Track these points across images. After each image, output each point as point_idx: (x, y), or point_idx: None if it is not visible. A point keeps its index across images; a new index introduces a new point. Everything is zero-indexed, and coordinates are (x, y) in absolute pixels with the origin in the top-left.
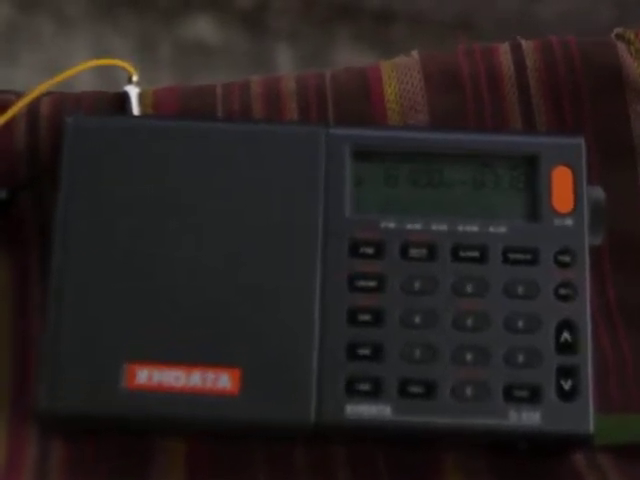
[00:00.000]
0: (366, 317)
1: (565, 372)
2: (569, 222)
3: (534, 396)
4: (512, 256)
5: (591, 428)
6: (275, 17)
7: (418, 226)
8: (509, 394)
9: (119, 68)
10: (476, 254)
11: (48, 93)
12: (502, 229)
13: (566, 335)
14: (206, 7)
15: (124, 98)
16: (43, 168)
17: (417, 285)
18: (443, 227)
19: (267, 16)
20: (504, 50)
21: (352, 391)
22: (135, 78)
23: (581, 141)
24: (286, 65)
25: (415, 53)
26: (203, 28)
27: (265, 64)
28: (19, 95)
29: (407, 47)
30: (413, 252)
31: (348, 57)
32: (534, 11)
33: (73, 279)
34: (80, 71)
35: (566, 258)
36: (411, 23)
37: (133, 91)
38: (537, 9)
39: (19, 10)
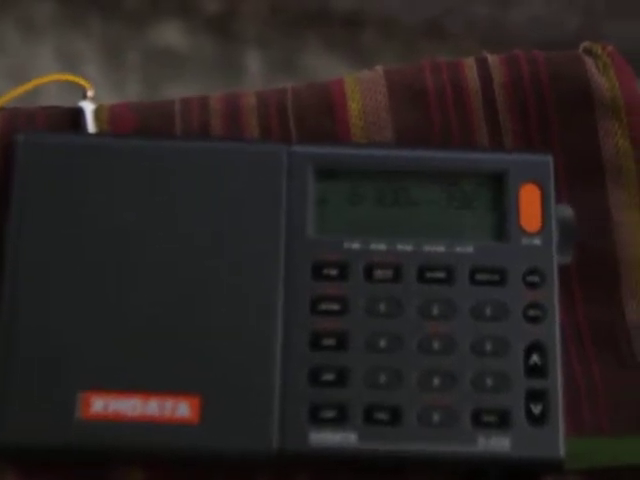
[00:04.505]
0: (330, 341)
1: (535, 396)
2: (537, 241)
3: (503, 421)
4: (479, 277)
5: (562, 453)
6: (244, 23)
7: (383, 246)
8: (477, 419)
9: (85, 72)
10: (442, 275)
11: (0, 109)
12: (469, 249)
13: (535, 358)
14: (174, 13)
15: (79, 114)
16: None
17: (382, 308)
18: (408, 247)
19: (236, 22)
20: (469, 65)
21: (316, 418)
22: (90, 93)
23: (549, 158)
24: (256, 71)
25: (379, 68)
26: (171, 34)
27: (234, 70)
28: None
29: (378, 52)
30: (378, 273)
31: (318, 62)
32: (504, 16)
33: (25, 305)
34: (36, 85)
35: (535, 278)
36: (381, 28)
37: (88, 107)
38: (507, 14)
39: None
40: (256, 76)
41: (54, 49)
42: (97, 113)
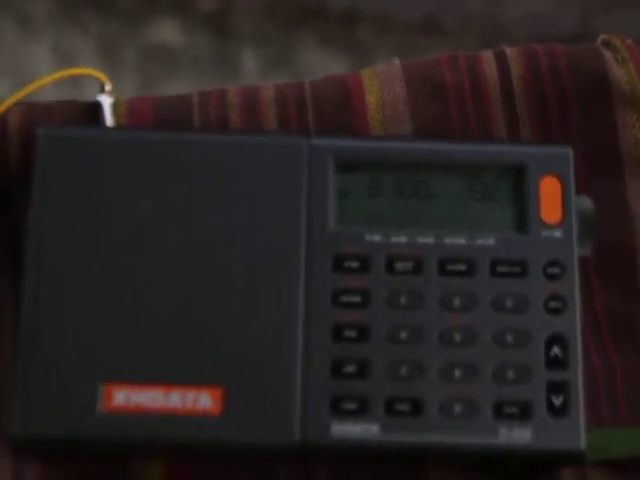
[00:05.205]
0: (351, 333)
1: (555, 388)
2: (558, 233)
3: (524, 413)
4: (500, 269)
5: (583, 444)
6: (239, 20)
7: (404, 239)
8: (499, 411)
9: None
10: (463, 267)
11: (17, 103)
12: (490, 241)
13: (556, 350)
14: (170, 10)
15: (96, 108)
16: (14, 180)
17: (403, 300)
18: (429, 240)
19: (231, 19)
20: (488, 57)
21: (338, 410)
22: (108, 87)
23: (569, 151)
24: (251, 68)
25: (397, 61)
26: (167, 31)
27: (230, 67)
28: None
29: (373, 48)
30: (399, 266)
31: (314, 59)
32: (500, 12)
33: (46, 297)
34: (51, 81)
35: (555, 270)
36: (377, 24)
37: (106, 101)
38: (503, 10)
39: None
40: (252, 72)
41: (51, 47)
42: (115, 107)
